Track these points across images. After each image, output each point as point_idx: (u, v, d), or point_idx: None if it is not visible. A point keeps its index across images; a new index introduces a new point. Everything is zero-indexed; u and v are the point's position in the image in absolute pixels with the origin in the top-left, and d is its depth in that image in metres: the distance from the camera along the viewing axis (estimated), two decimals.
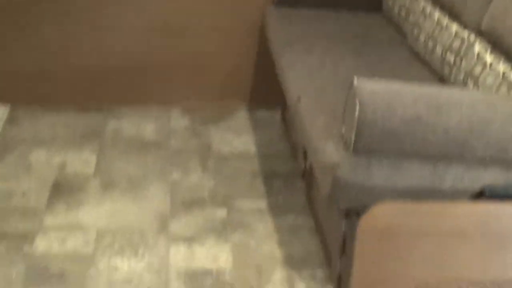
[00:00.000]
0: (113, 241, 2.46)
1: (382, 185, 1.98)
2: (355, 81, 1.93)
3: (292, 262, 2.41)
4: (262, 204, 2.73)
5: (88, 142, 3.10)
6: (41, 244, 2.42)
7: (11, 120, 3.25)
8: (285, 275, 2.35)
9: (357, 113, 1.88)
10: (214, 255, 2.42)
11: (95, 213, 2.61)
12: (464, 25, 2.53)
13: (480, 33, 2.41)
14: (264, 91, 3.45)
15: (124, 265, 2.35)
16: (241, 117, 3.43)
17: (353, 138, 1.92)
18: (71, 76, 3.35)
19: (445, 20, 2.64)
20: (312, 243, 2.51)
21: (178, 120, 3.36)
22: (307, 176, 2.73)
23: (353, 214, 2.07)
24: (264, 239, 2.52)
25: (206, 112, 3.42)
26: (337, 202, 2.07)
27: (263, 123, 3.37)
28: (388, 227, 2.00)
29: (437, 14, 2.71)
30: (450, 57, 2.52)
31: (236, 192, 2.79)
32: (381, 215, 1.99)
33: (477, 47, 2.39)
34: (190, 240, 2.49)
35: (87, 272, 2.30)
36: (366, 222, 1.99)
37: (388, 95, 1.90)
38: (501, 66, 2.23)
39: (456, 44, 2.50)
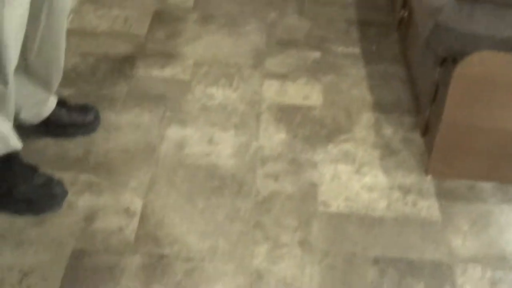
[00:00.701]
0: (209, 71, 2.54)
1: (482, 33, 1.97)
2: None
3: (381, 107, 2.45)
4: (356, 50, 2.74)
5: None
6: (142, 68, 2.53)
7: None
8: (373, 119, 2.40)
9: None
10: (305, 93, 2.49)
11: (193, 44, 2.69)
12: None
13: None
14: None
15: (219, 93, 2.44)
16: None
17: None
18: None
19: None
20: (402, 90, 2.54)
21: None
22: (403, 27, 2.72)
23: (449, 61, 2.08)
24: (355, 83, 2.56)
25: None
26: (435, 48, 2.07)
27: None
28: (483, 76, 2.02)
29: None
30: None
31: (331, 36, 2.81)
32: (477, 63, 2.00)
33: None
34: (283, 77, 2.55)
35: (184, 96, 2.41)
36: (461, 70, 2.02)
37: None
38: None
39: None
